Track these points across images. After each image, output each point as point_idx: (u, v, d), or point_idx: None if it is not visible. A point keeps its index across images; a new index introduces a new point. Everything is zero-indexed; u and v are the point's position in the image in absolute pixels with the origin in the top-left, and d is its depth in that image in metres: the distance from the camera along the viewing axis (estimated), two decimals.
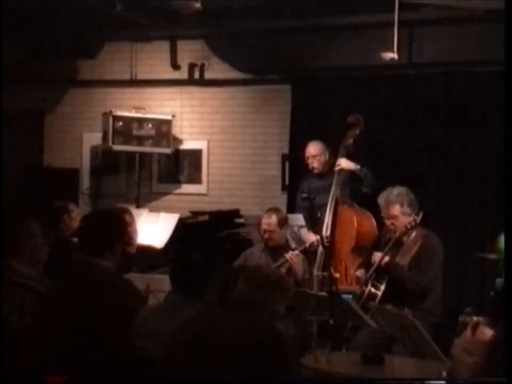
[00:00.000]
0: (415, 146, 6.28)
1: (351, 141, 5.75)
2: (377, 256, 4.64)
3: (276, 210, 5.38)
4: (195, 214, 6.82)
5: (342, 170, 5.68)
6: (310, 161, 5.93)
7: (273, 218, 5.23)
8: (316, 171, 5.92)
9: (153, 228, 5.97)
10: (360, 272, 4.78)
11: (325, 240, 5.16)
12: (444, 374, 2.66)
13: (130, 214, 3.34)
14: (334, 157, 5.82)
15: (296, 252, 5.08)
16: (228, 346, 2.72)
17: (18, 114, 7.54)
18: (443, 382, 3.20)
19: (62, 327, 3.09)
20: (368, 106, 6.14)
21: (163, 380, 2.84)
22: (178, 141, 7.24)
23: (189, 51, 7.18)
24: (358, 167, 5.67)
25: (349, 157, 5.74)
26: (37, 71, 7.41)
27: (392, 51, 5.55)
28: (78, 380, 2.93)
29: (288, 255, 5.04)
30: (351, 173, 5.71)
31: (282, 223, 5.27)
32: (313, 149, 5.92)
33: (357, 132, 5.75)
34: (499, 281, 4.38)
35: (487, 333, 2.23)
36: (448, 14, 6.00)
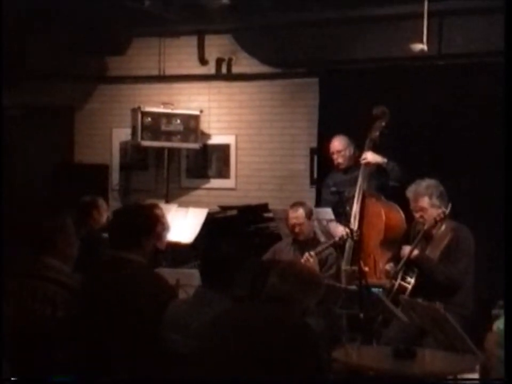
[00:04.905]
0: (445, 138, 6.21)
1: (377, 133, 5.69)
2: (406, 249, 4.61)
3: (301, 203, 5.40)
4: (224, 208, 6.84)
5: (368, 163, 5.64)
6: (335, 156, 5.90)
7: (301, 211, 5.24)
8: (341, 166, 5.89)
9: (182, 223, 6.00)
10: (389, 266, 4.75)
11: (355, 234, 5.13)
12: (477, 367, 2.64)
13: (160, 209, 3.36)
14: (360, 150, 5.78)
15: (312, 253, 5.07)
16: (260, 341, 2.72)
17: (48, 110, 7.62)
18: (476, 375, 3.17)
19: (94, 321, 3.11)
20: (397, 99, 6.09)
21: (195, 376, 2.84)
22: (206, 136, 7.26)
23: (217, 46, 7.19)
24: (385, 160, 5.62)
25: (376, 150, 5.69)
26: (66, 68, 7.47)
27: (422, 42, 5.49)
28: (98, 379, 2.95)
29: (304, 257, 5.04)
30: (378, 166, 5.67)
31: (310, 215, 5.29)
32: (338, 144, 5.89)
33: (383, 124, 5.69)
34: None
35: None
36: (478, 3, 5.92)
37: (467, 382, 2.50)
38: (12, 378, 3.03)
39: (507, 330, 2.09)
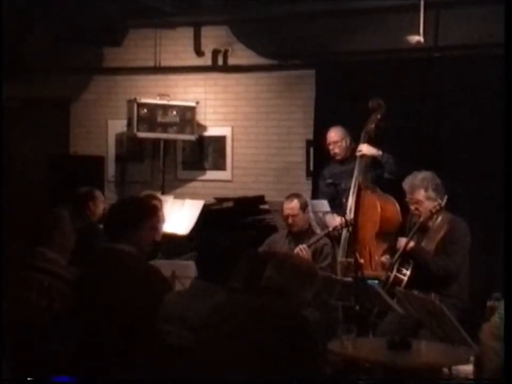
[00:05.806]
0: (441, 131, 6.21)
1: (372, 126, 5.71)
2: (402, 241, 4.63)
3: (296, 195, 5.42)
4: (220, 200, 6.84)
5: (363, 156, 5.65)
6: (331, 147, 5.91)
7: (295, 202, 5.26)
8: (337, 157, 5.90)
9: (178, 215, 6.00)
10: (385, 258, 4.77)
11: (349, 222, 5.14)
12: (472, 359, 2.64)
13: (158, 200, 3.37)
14: (356, 142, 5.79)
15: (304, 246, 5.08)
16: (256, 333, 2.73)
17: (44, 101, 7.60)
18: (471, 367, 3.19)
19: (89, 313, 3.12)
20: (394, 91, 6.08)
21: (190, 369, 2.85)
22: (203, 127, 7.25)
23: (213, 37, 7.17)
24: (380, 152, 5.63)
25: (372, 142, 5.70)
26: (62, 59, 7.45)
27: (418, 34, 5.48)
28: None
29: (297, 249, 5.05)
30: (373, 158, 5.68)
31: (304, 207, 5.30)
32: (334, 135, 5.90)
33: (378, 116, 5.70)
34: None
35: None
36: None
37: (464, 382, 2.52)
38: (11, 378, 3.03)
39: (507, 329, 2.09)
